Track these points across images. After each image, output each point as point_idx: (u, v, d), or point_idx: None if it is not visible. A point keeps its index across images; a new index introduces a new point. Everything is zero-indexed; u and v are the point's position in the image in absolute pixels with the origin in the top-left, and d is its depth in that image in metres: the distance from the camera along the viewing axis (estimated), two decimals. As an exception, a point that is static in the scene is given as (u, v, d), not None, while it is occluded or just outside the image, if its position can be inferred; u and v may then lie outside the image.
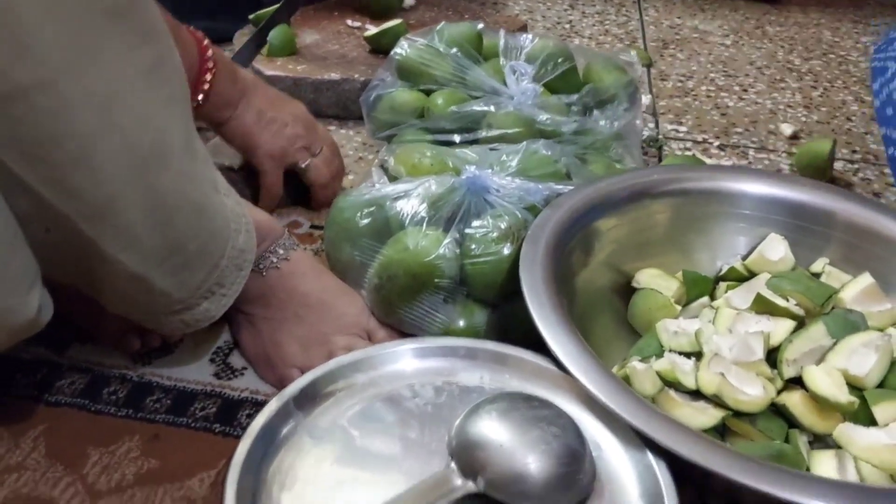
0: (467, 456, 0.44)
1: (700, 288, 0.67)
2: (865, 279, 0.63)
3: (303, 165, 0.81)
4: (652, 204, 0.67)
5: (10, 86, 0.39)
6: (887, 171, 0.96)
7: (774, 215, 0.67)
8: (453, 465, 0.44)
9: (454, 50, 0.86)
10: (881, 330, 0.60)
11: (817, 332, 0.58)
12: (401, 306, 0.61)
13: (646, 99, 1.07)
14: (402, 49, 0.87)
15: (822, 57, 1.28)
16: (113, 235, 0.47)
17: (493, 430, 0.45)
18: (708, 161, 0.94)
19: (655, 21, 1.37)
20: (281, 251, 0.64)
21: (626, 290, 0.67)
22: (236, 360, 0.64)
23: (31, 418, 0.58)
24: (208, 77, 0.72)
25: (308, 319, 0.62)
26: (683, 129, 1.02)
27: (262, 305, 0.63)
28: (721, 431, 0.56)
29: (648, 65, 1.19)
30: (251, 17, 1.10)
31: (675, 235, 0.68)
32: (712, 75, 1.18)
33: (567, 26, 1.33)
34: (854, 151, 1.00)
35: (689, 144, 0.98)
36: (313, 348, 0.61)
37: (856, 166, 0.97)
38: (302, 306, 0.63)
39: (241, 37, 1.08)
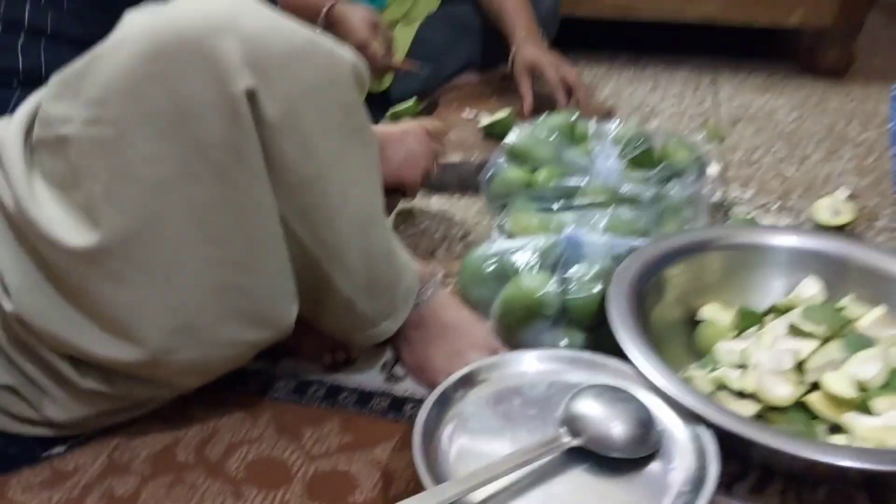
0: (573, 422, 0.66)
1: (751, 319, 0.86)
2: (880, 310, 0.82)
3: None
4: (709, 255, 0.88)
5: (299, 176, 0.65)
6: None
7: (801, 262, 0.87)
8: (563, 429, 0.66)
9: (553, 136, 1.10)
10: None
11: (833, 349, 0.77)
12: (517, 331, 0.84)
13: (716, 169, 1.28)
14: (511, 137, 1.11)
15: (878, 128, 1.45)
16: (340, 271, 0.72)
17: (590, 406, 0.67)
18: (765, 222, 1.14)
19: (728, 100, 1.58)
20: (431, 290, 0.88)
21: (692, 323, 0.88)
22: (398, 370, 0.88)
23: (261, 407, 0.83)
24: None
25: (450, 339, 0.85)
26: (748, 194, 1.22)
27: (417, 329, 0.87)
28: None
29: (721, 139, 1.40)
30: (388, 114, 1.37)
31: (728, 280, 0.88)
32: (776, 147, 1.38)
33: (648, 109, 1.55)
34: (898, 211, 1.18)
35: (751, 207, 1.18)
36: (454, 359, 0.84)
37: (897, 224, 1.14)
38: (445, 329, 0.86)
39: (382, 127, 1.35)
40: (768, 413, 0.75)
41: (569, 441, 0.65)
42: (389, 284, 0.78)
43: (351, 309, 0.76)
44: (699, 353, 0.85)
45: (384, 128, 1.06)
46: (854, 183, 1.26)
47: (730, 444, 0.73)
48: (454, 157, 1.26)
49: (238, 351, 0.73)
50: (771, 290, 0.88)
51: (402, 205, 1.14)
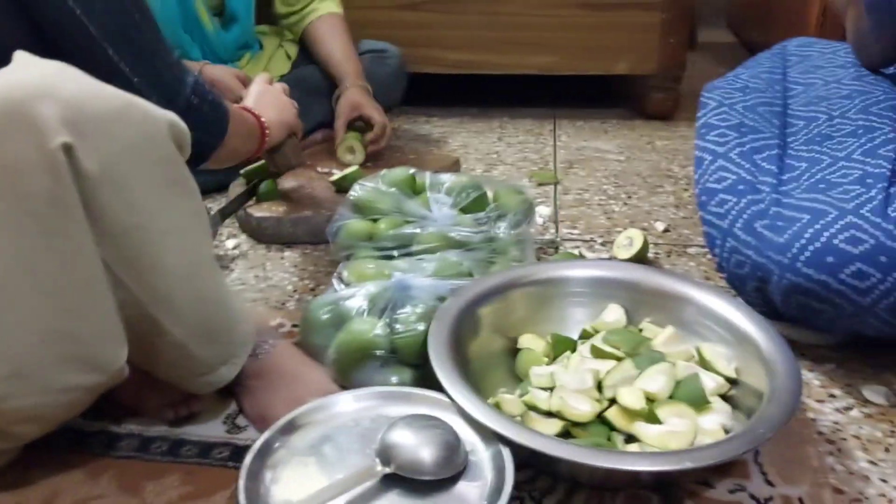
0: (384, 452, 0.72)
1: (565, 345, 0.96)
2: (669, 330, 0.92)
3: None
4: (518, 291, 0.97)
5: (121, 226, 0.70)
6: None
7: (598, 289, 0.97)
8: (377, 459, 0.72)
9: (393, 189, 1.18)
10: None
11: (627, 367, 0.86)
12: (352, 373, 0.90)
13: (548, 210, 1.39)
14: (354, 191, 1.19)
15: (697, 164, 1.61)
16: (168, 314, 0.76)
17: (401, 435, 0.73)
18: (590, 255, 1.25)
19: (566, 145, 1.71)
20: (271, 341, 0.93)
21: (515, 351, 0.96)
22: (241, 420, 0.92)
23: (104, 466, 0.85)
24: (265, 126, 1.08)
25: (289, 387, 0.90)
26: (576, 231, 1.33)
27: (258, 378, 0.92)
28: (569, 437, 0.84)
29: (556, 183, 1.52)
30: (241, 172, 1.43)
31: (539, 311, 0.97)
32: (605, 187, 1.51)
33: (494, 156, 1.67)
34: (707, 239, 1.31)
35: (579, 244, 1.29)
36: (293, 406, 0.88)
37: (705, 250, 1.27)
38: (285, 377, 0.91)
39: (235, 187, 1.41)
40: (573, 429, 0.83)
41: (381, 469, 0.71)
42: (224, 330, 0.83)
43: (185, 354, 0.80)
44: (520, 378, 0.94)
45: (249, 89, 1.17)
46: (671, 215, 1.39)
47: (539, 460, 0.81)
48: (306, 212, 1.33)
49: (73, 396, 0.76)
50: (577, 317, 0.98)
51: (297, 146, 1.23)
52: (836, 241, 0.87)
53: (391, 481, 0.72)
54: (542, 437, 0.75)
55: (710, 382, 0.85)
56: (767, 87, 1.18)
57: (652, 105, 1.85)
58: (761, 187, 1.01)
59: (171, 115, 0.75)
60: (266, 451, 0.75)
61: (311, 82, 1.58)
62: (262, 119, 1.08)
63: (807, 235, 0.89)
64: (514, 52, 1.82)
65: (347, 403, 0.81)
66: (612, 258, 1.23)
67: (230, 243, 1.31)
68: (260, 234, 1.32)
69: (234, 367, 0.86)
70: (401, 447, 0.72)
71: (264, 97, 1.15)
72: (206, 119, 0.90)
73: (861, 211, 0.89)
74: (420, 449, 0.72)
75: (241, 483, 0.70)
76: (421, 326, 0.90)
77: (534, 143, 1.72)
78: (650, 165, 1.60)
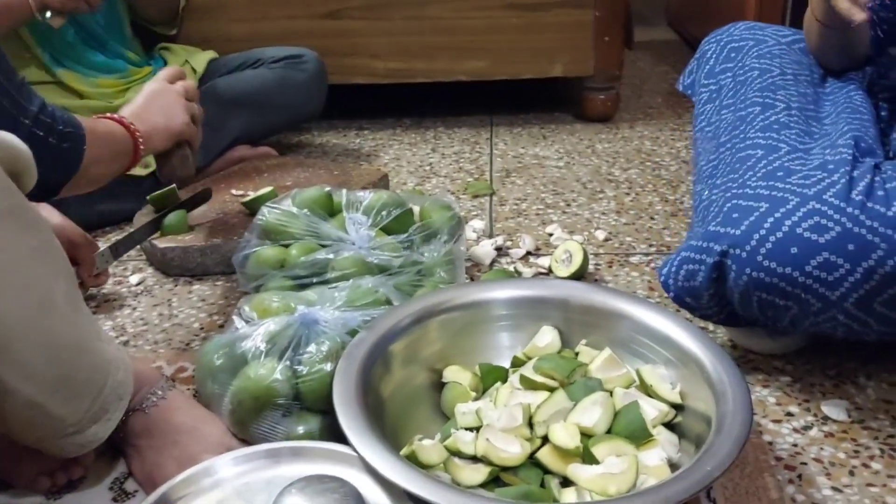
0: (274, 524, 0.62)
1: (495, 375, 0.86)
2: (605, 353, 0.83)
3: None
4: (438, 319, 0.87)
5: None
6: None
7: (527, 311, 0.88)
8: (266, 534, 0.62)
9: (305, 211, 1.08)
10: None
11: (559, 398, 0.77)
12: (250, 424, 0.79)
13: (482, 223, 1.29)
14: (262, 215, 1.08)
15: (639, 165, 1.53)
16: (11, 368, 0.64)
17: (292, 502, 0.62)
18: (527, 271, 1.16)
19: (503, 153, 1.62)
20: (160, 392, 0.82)
21: (441, 384, 0.86)
22: (130, 485, 0.81)
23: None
24: (139, 138, 0.96)
25: (182, 443, 0.79)
26: (514, 246, 1.24)
27: (147, 437, 0.80)
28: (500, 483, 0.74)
29: (491, 194, 1.43)
30: (148, 198, 1.31)
31: (463, 340, 0.88)
32: (543, 195, 1.42)
33: (427, 168, 1.57)
34: (651, 245, 1.23)
35: (514, 259, 1.20)
36: (186, 466, 0.77)
37: (649, 257, 1.19)
38: (177, 433, 0.80)
39: (141, 216, 1.29)
40: (503, 474, 0.73)
41: (271, 548, 0.61)
42: (88, 382, 0.71)
43: (41, 413, 0.69)
44: (448, 416, 0.84)
45: (137, 95, 1.05)
46: (613, 222, 1.31)
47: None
48: (215, 239, 1.21)
49: None
50: (507, 343, 0.88)
51: (186, 157, 1.10)
52: (799, 230, 0.78)
53: (285, 560, 0.61)
54: (458, 494, 0.64)
55: (652, 411, 0.76)
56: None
57: (591, 107, 1.77)
58: (716, 181, 0.93)
59: (3, 143, 0.64)
60: (137, 530, 0.64)
61: (224, 96, 1.48)
62: (138, 132, 0.96)
63: (766, 226, 0.80)
64: (444, 57, 1.72)
65: (233, 466, 0.70)
66: (550, 274, 1.14)
67: (134, 279, 1.20)
68: (166, 266, 1.21)
69: (107, 425, 0.74)
70: (293, 518, 0.62)
71: (154, 101, 1.04)
72: (54, 153, 0.79)
73: (824, 196, 0.79)
74: (316, 520, 0.62)
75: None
76: (328, 367, 0.80)
77: (469, 153, 1.63)
78: (590, 170, 1.51)
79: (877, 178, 0.81)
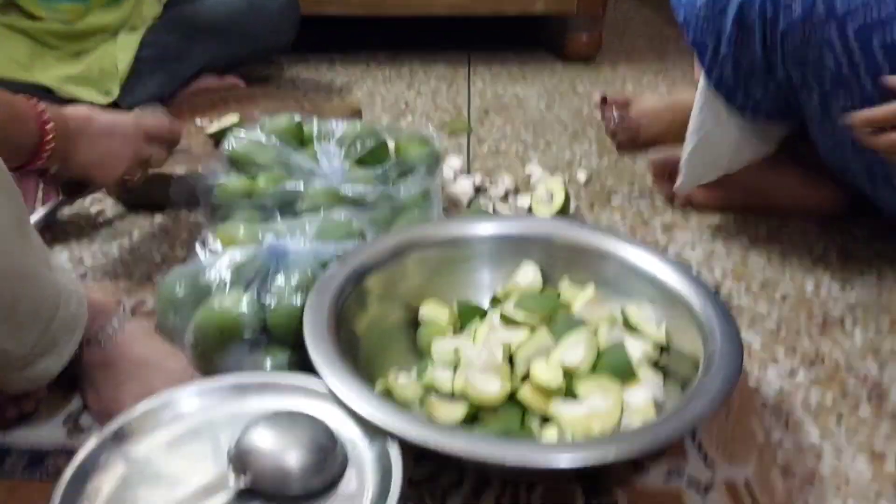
0: (238, 460, 0.57)
1: (473, 314, 0.82)
2: (589, 291, 0.79)
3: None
4: (415, 255, 0.82)
5: None
6: (657, 200, 1.15)
7: (508, 248, 0.84)
8: (229, 469, 0.57)
9: (274, 139, 1.02)
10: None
11: (541, 337, 0.73)
12: (214, 358, 0.75)
13: (459, 162, 1.24)
14: (228, 143, 1.02)
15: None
16: None
17: (258, 438, 0.58)
18: (506, 210, 1.11)
19: (481, 92, 1.57)
20: (117, 324, 0.77)
21: (417, 322, 0.82)
22: (86, 420, 0.76)
23: None
24: (49, 144, 0.82)
25: (140, 377, 0.74)
26: (492, 184, 1.19)
27: (103, 370, 0.75)
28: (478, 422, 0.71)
29: (469, 132, 1.37)
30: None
31: (441, 277, 0.83)
32: (523, 135, 1.37)
33: (403, 105, 1.51)
34: (633, 187, 1.19)
35: (493, 198, 1.15)
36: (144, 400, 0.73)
37: (632, 199, 1.15)
38: (135, 367, 0.75)
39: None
40: (482, 412, 0.70)
41: (234, 483, 0.56)
42: (37, 313, 0.66)
43: None
44: (423, 355, 0.80)
45: (91, 112, 0.92)
46: (594, 164, 1.26)
47: (440, 455, 0.68)
48: (179, 170, 1.15)
49: None
50: (486, 281, 0.84)
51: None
52: None
53: (249, 497, 0.57)
54: (435, 430, 0.61)
55: (636, 350, 0.73)
56: None
57: (573, 47, 1.71)
58: None
59: None
60: (90, 465, 0.59)
61: (190, 22, 1.39)
62: (50, 130, 0.82)
63: None
64: (422, -11, 1.65)
65: (196, 399, 0.65)
66: (530, 214, 1.10)
67: (93, 209, 1.13)
68: (127, 198, 1.14)
69: (58, 359, 0.69)
70: (259, 454, 0.57)
71: (100, 133, 0.91)
72: None
73: None
74: (284, 455, 0.58)
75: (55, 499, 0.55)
76: (297, 299, 0.75)
77: (446, 91, 1.57)
78: (571, 111, 1.46)
79: None
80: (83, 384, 0.77)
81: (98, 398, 0.76)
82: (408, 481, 0.66)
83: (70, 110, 0.89)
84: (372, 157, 1.03)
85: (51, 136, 0.83)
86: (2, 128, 0.77)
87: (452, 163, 1.25)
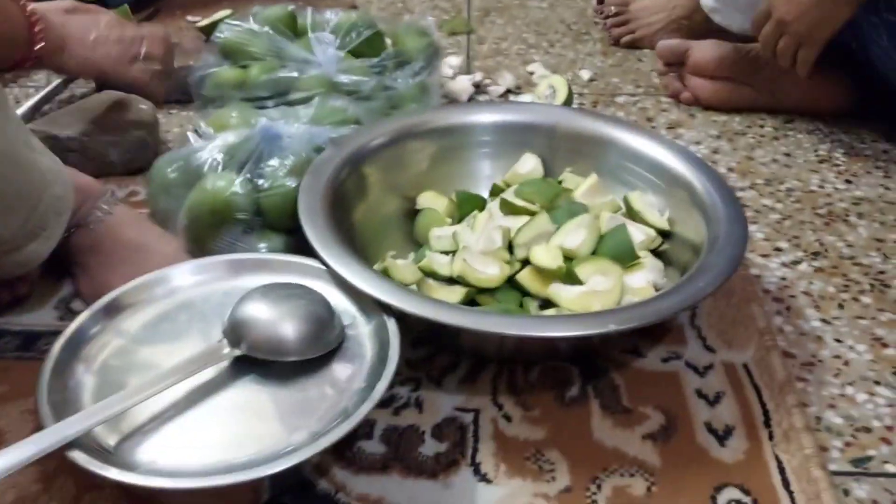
0: (233, 330, 0.57)
1: (472, 204, 0.80)
2: (592, 178, 0.77)
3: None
4: (413, 142, 0.80)
5: None
6: (663, 99, 1.12)
7: (509, 137, 0.81)
8: (224, 338, 0.57)
9: (267, 29, 0.98)
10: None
11: (542, 221, 0.72)
12: (208, 241, 0.73)
13: (458, 60, 1.21)
14: (221, 32, 0.98)
15: (628, 10, 1.43)
16: None
17: (253, 307, 0.57)
18: (506, 106, 1.08)
19: (482, -9, 1.51)
20: (105, 206, 0.75)
21: (414, 213, 0.80)
22: (78, 305, 0.75)
23: None
24: (39, 35, 0.83)
25: (132, 260, 0.73)
26: (492, 83, 1.16)
27: (94, 254, 0.74)
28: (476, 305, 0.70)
29: (469, 32, 1.33)
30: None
31: (440, 165, 0.81)
32: (525, 35, 1.33)
33: (400, 4, 1.46)
34: (638, 86, 1.16)
35: (494, 96, 1.12)
36: (137, 283, 0.72)
37: (636, 98, 1.12)
38: (126, 250, 0.74)
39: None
40: (479, 296, 0.69)
41: (229, 351, 0.56)
42: (20, 195, 0.64)
43: None
44: (420, 244, 0.78)
45: (59, 4, 0.91)
46: (599, 63, 1.23)
47: (438, 334, 0.67)
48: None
49: None
50: (486, 171, 0.82)
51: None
52: None
53: (245, 365, 0.57)
54: (433, 304, 0.60)
55: (639, 235, 0.71)
56: None
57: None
58: None
59: None
60: (80, 338, 0.58)
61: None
62: (38, 22, 0.83)
63: None
64: None
65: (190, 275, 0.64)
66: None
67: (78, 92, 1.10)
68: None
69: (47, 243, 0.68)
70: (255, 322, 0.57)
71: (88, 24, 0.93)
72: None
73: None
74: (280, 324, 0.57)
75: (43, 380, 0.54)
76: (291, 182, 0.73)
77: (445, -9, 1.51)
78: (576, 11, 1.42)
79: None
80: (74, 269, 0.76)
81: (89, 282, 0.74)
82: (405, 363, 0.66)
83: (46, 5, 0.89)
84: (368, 47, 1.00)
85: (39, 27, 0.83)
86: None
87: (452, 62, 1.21)
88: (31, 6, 0.84)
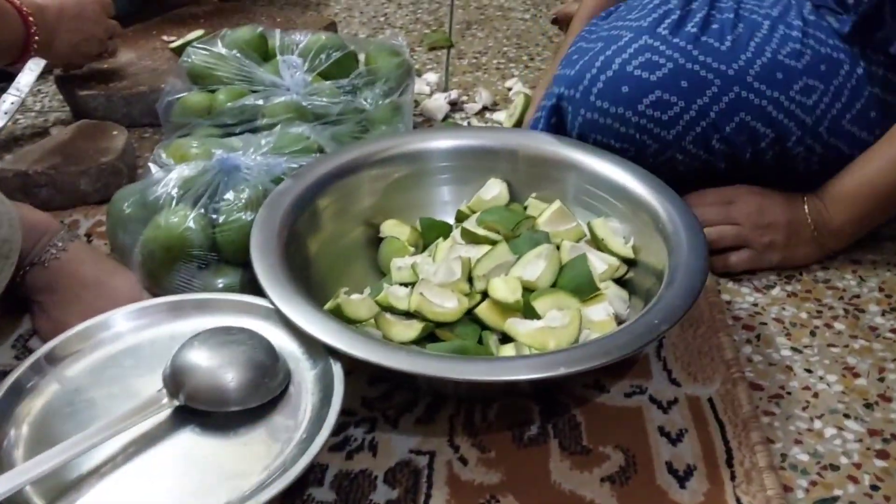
0: (173, 378, 0.55)
1: (437, 230, 0.78)
2: (555, 205, 0.76)
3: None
4: (372, 170, 0.78)
5: None
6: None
7: (471, 162, 0.80)
8: (163, 388, 0.55)
9: (235, 52, 0.97)
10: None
11: (501, 251, 0.70)
12: (162, 277, 0.72)
13: (436, 77, 1.19)
14: (188, 56, 0.97)
15: (611, 20, 1.41)
16: None
17: (193, 355, 0.56)
18: (480, 124, 1.07)
19: (465, 4, 1.50)
20: (60, 244, 0.74)
21: (379, 240, 0.79)
22: (35, 343, 0.74)
23: None
24: (35, 37, 0.93)
25: (87, 298, 0.72)
26: (469, 100, 1.14)
27: (49, 292, 0.73)
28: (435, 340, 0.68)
29: (449, 46, 1.31)
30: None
31: (401, 193, 0.80)
32: (506, 48, 1.31)
33: (382, 19, 1.45)
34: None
35: (469, 114, 1.10)
36: (93, 322, 0.71)
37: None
38: (81, 287, 0.72)
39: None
40: (438, 330, 0.67)
41: (168, 402, 0.54)
42: None
43: None
44: (384, 272, 0.77)
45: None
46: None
47: (395, 374, 0.65)
48: (142, 87, 1.10)
49: None
50: (449, 197, 0.80)
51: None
52: (629, 68, 0.75)
53: (185, 414, 0.55)
54: (379, 347, 0.58)
55: (601, 265, 0.69)
56: None
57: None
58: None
59: None
60: (19, 388, 0.57)
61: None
62: (34, 24, 0.89)
63: (598, 64, 0.76)
64: None
65: (133, 319, 0.63)
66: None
67: (54, 131, 1.09)
68: (89, 115, 1.10)
69: None
70: (194, 371, 0.55)
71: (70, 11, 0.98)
72: None
73: (657, 30, 0.76)
74: (220, 372, 0.55)
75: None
76: (247, 216, 0.72)
77: (428, 3, 1.50)
78: (558, 23, 1.40)
79: (713, 11, 0.79)
80: (31, 307, 0.75)
81: (46, 321, 0.73)
82: (361, 401, 0.65)
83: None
84: (338, 69, 0.98)
85: (34, 28, 0.90)
86: None
87: (429, 78, 1.19)
88: (27, 5, 0.91)
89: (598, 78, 0.76)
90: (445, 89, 1.17)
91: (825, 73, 0.76)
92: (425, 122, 1.09)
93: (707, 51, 0.75)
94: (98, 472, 0.52)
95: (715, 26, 0.77)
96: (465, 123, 1.08)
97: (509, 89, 1.17)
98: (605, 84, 0.76)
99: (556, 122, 0.82)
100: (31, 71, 0.96)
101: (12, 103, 0.95)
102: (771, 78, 0.75)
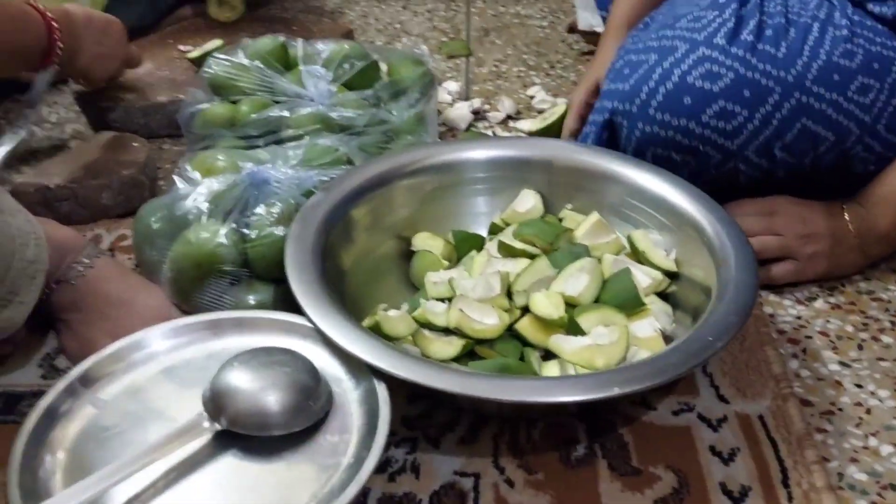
0: (213, 402, 0.53)
1: (470, 243, 0.77)
2: (593, 217, 0.74)
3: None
4: (404, 182, 0.77)
5: None
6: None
7: (505, 173, 0.78)
8: (203, 412, 0.53)
9: (258, 63, 0.95)
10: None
11: (542, 266, 0.68)
12: (193, 294, 0.70)
13: (457, 85, 1.17)
14: (209, 67, 0.95)
15: (630, 27, 1.40)
16: None
17: (234, 377, 0.54)
18: (505, 134, 1.05)
19: (481, 11, 1.48)
20: (86, 260, 0.72)
21: (410, 253, 0.77)
22: (62, 362, 0.72)
23: None
24: (58, 45, 0.89)
25: (114, 316, 0.70)
26: (492, 108, 1.12)
27: (76, 311, 0.71)
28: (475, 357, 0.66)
29: (467, 55, 1.30)
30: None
31: (435, 204, 0.78)
32: (525, 56, 1.29)
33: (398, 26, 1.43)
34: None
35: (493, 123, 1.09)
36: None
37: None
38: (109, 306, 0.71)
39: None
40: (478, 347, 0.66)
41: (210, 426, 0.52)
42: None
43: None
44: (417, 288, 0.75)
45: (88, 10, 0.97)
46: (601, 84, 1.19)
47: (436, 392, 0.63)
48: (161, 98, 1.09)
49: None
50: (483, 208, 0.79)
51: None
52: (690, 79, 0.74)
53: (227, 438, 0.53)
54: (424, 366, 0.56)
55: (644, 279, 0.68)
56: None
57: (578, -38, 1.62)
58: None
59: None
60: (55, 412, 0.55)
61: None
62: (57, 29, 0.87)
63: (655, 77, 0.75)
64: None
65: (168, 338, 0.61)
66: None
67: (73, 144, 1.07)
68: (106, 126, 1.08)
69: (20, 308, 0.65)
70: (236, 394, 0.53)
71: (95, 27, 0.97)
72: None
73: (714, 40, 0.74)
74: (262, 396, 0.53)
75: (14, 460, 0.51)
76: (279, 230, 0.70)
77: (444, 11, 1.48)
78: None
79: (764, 17, 0.77)
80: (57, 325, 0.73)
81: (72, 340, 0.72)
82: (401, 420, 0.63)
83: (70, 7, 0.94)
84: (361, 78, 0.97)
85: (58, 35, 0.89)
86: (17, 37, 0.85)
87: (450, 87, 1.18)
88: (53, 12, 0.89)
89: (656, 90, 0.75)
90: (467, 98, 1.16)
91: (879, 71, 0.75)
92: (448, 131, 1.07)
93: (765, 58, 0.74)
94: (138, 500, 0.50)
95: (769, 33, 0.75)
96: (489, 133, 1.06)
97: (532, 97, 1.15)
98: (665, 96, 0.74)
99: (607, 136, 0.80)
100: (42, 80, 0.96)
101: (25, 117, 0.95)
102: (828, 80, 0.74)
